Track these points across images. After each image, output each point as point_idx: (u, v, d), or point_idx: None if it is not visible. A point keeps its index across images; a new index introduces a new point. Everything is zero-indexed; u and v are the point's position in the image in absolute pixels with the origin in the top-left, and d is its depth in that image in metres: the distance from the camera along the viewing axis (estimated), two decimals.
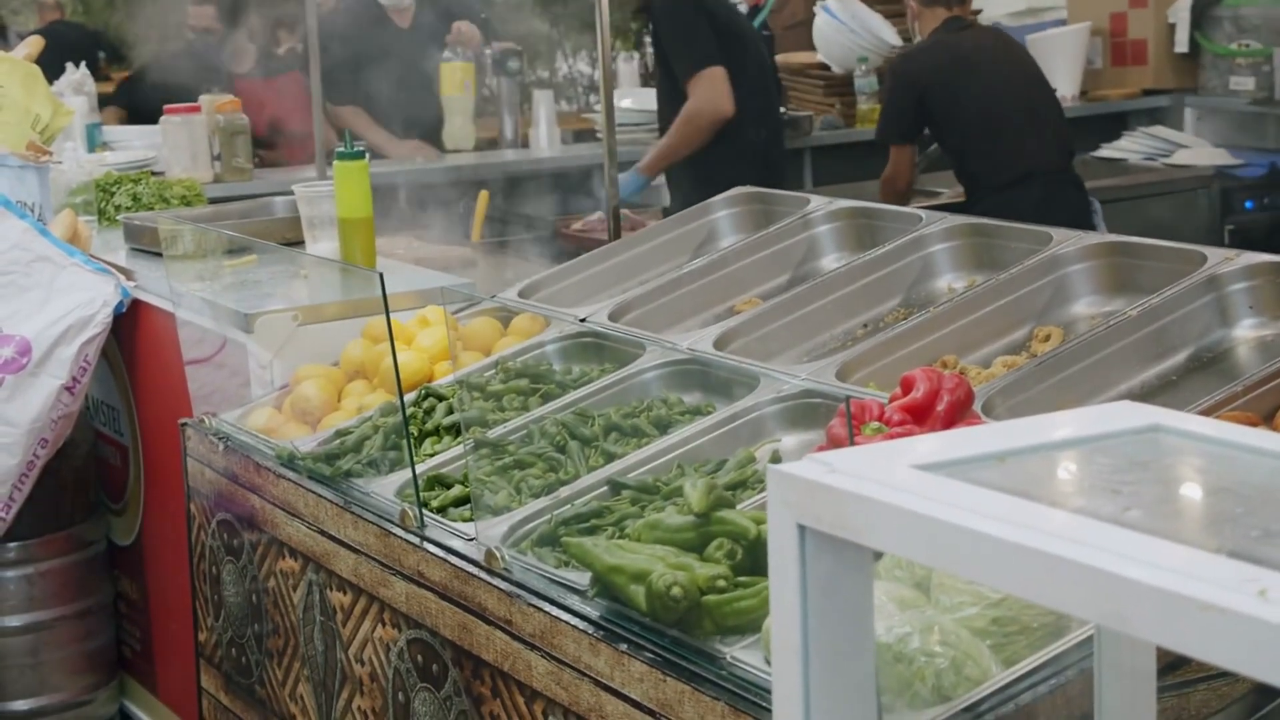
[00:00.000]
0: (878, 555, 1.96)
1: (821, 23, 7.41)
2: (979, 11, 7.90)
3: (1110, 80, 7.85)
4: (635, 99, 7.24)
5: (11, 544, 4.34)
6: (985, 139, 5.66)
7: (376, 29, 7.16)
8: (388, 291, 2.95)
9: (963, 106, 5.69)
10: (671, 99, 5.67)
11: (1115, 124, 7.56)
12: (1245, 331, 2.88)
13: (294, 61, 7.42)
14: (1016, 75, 5.81)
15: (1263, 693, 2.04)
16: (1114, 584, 1.23)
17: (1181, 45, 7.64)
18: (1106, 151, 7.29)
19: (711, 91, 5.43)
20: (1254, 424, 2.41)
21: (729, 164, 5.34)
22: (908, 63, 5.98)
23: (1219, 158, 7.03)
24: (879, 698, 1.84)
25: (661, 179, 5.93)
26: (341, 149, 3.99)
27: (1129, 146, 7.29)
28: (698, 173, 5.48)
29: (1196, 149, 7.20)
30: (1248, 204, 6.86)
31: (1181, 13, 7.58)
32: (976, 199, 5.63)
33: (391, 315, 3.02)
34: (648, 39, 8.34)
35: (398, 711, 2.84)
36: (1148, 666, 1.71)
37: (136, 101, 7.41)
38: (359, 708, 2.98)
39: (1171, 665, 1.96)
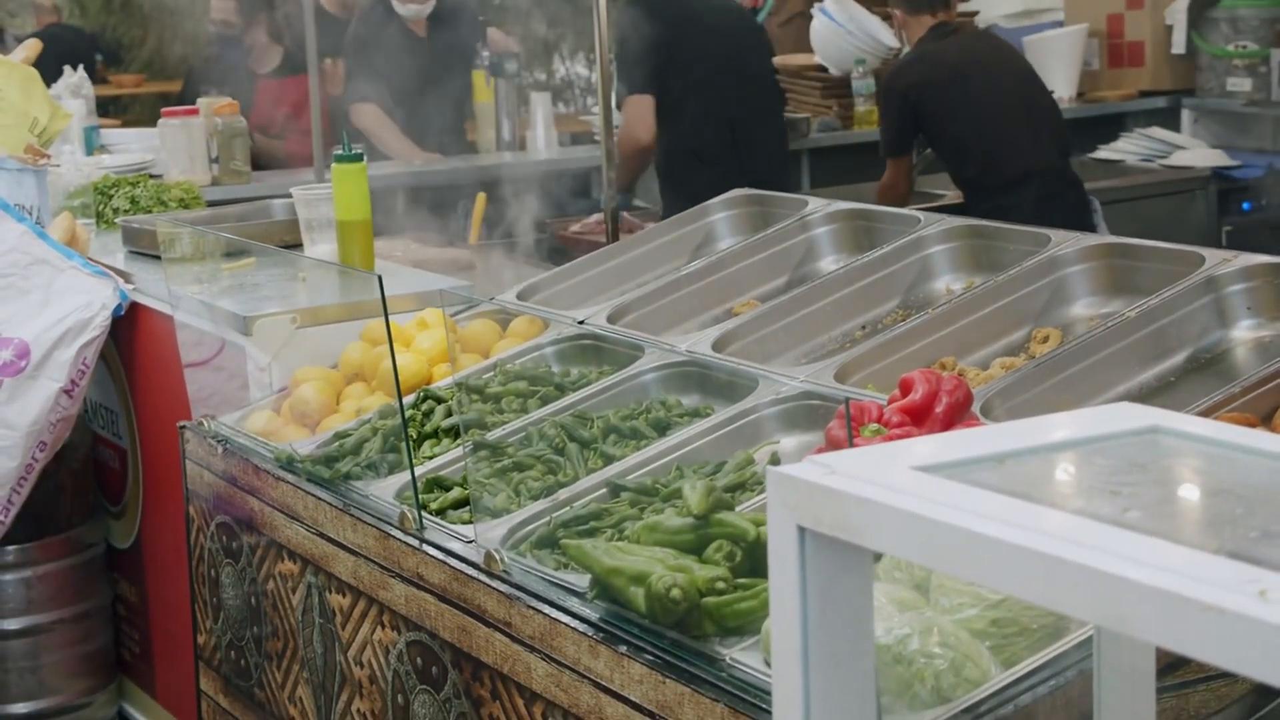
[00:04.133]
0: (877, 557, 1.96)
1: (819, 25, 7.41)
2: (975, 13, 7.91)
3: (1107, 82, 7.86)
4: None
5: (10, 547, 4.34)
6: (980, 144, 5.65)
7: (395, 37, 7.17)
8: (386, 294, 2.96)
9: (956, 115, 5.67)
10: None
11: (1112, 125, 7.57)
12: (1243, 333, 2.88)
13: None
14: (1008, 77, 5.79)
15: (1262, 694, 2.04)
16: (1115, 585, 1.24)
17: (1178, 47, 7.64)
18: (1104, 153, 7.29)
19: (628, 116, 5.54)
20: (1252, 425, 2.41)
21: (693, 169, 5.37)
22: (898, 78, 5.93)
23: (1216, 159, 7.04)
24: (879, 699, 1.84)
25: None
26: (340, 151, 3.99)
27: (1126, 148, 7.29)
28: (682, 179, 5.53)
29: (1194, 150, 7.21)
30: (1245, 205, 6.87)
31: (1178, 14, 7.59)
32: (975, 202, 5.62)
33: (390, 317, 3.02)
34: None
35: (397, 713, 2.84)
36: (1147, 667, 1.71)
37: None
38: (358, 710, 2.98)
39: (1171, 666, 1.96)
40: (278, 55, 7.69)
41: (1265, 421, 2.50)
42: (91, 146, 6.23)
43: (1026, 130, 5.65)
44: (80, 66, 6.53)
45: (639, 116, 5.78)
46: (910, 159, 5.89)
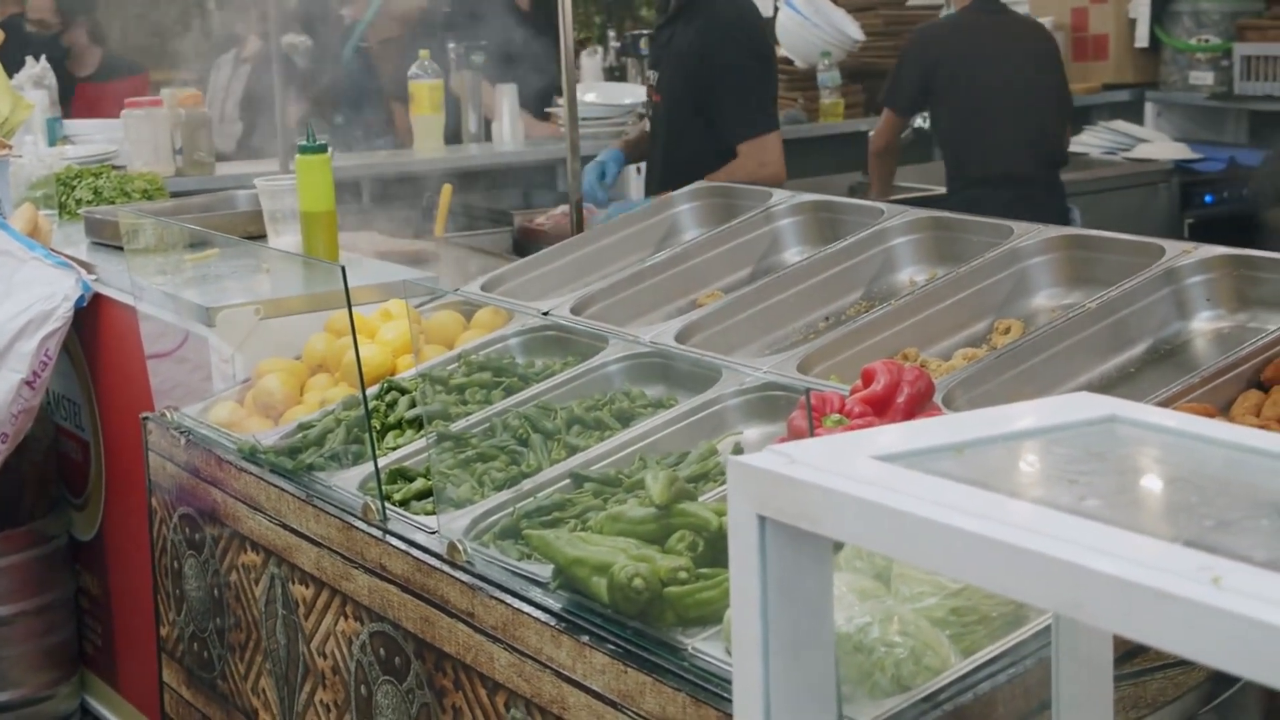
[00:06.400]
0: (838, 546, 1.97)
1: (784, 17, 7.43)
2: (941, 6, 7.93)
3: (1072, 75, 7.86)
4: (599, 93, 7.24)
5: None
6: (972, 131, 5.66)
7: (499, 8, 7.18)
8: (350, 285, 2.95)
9: (961, 93, 5.67)
10: (682, 118, 5.27)
11: (1076, 118, 7.58)
12: (1202, 324, 2.91)
13: (261, 64, 7.40)
14: (1028, 75, 5.75)
15: (1218, 682, 2.06)
16: (1071, 573, 1.25)
17: (1142, 40, 7.68)
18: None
19: (771, 157, 5.10)
20: (1210, 415, 2.43)
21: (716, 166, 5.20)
22: (926, 33, 5.96)
23: (1179, 152, 7.07)
24: (839, 688, 1.85)
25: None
26: (304, 142, 3.98)
27: (1090, 141, 7.33)
28: (681, 171, 5.39)
29: (1157, 143, 7.24)
30: (1207, 198, 6.91)
31: (1142, 8, 7.63)
32: (953, 189, 5.65)
33: (354, 309, 3.01)
34: (611, 33, 8.33)
35: (360, 704, 2.84)
36: (1105, 655, 1.72)
37: None
38: (321, 701, 2.98)
39: (1128, 654, 1.98)
40: (97, 58, 7.69)
41: (1224, 412, 2.52)
42: (54, 137, 6.21)
43: (1019, 133, 5.64)
44: (43, 57, 6.50)
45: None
46: (899, 121, 5.87)
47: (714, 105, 5.09)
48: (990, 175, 5.59)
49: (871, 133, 6.03)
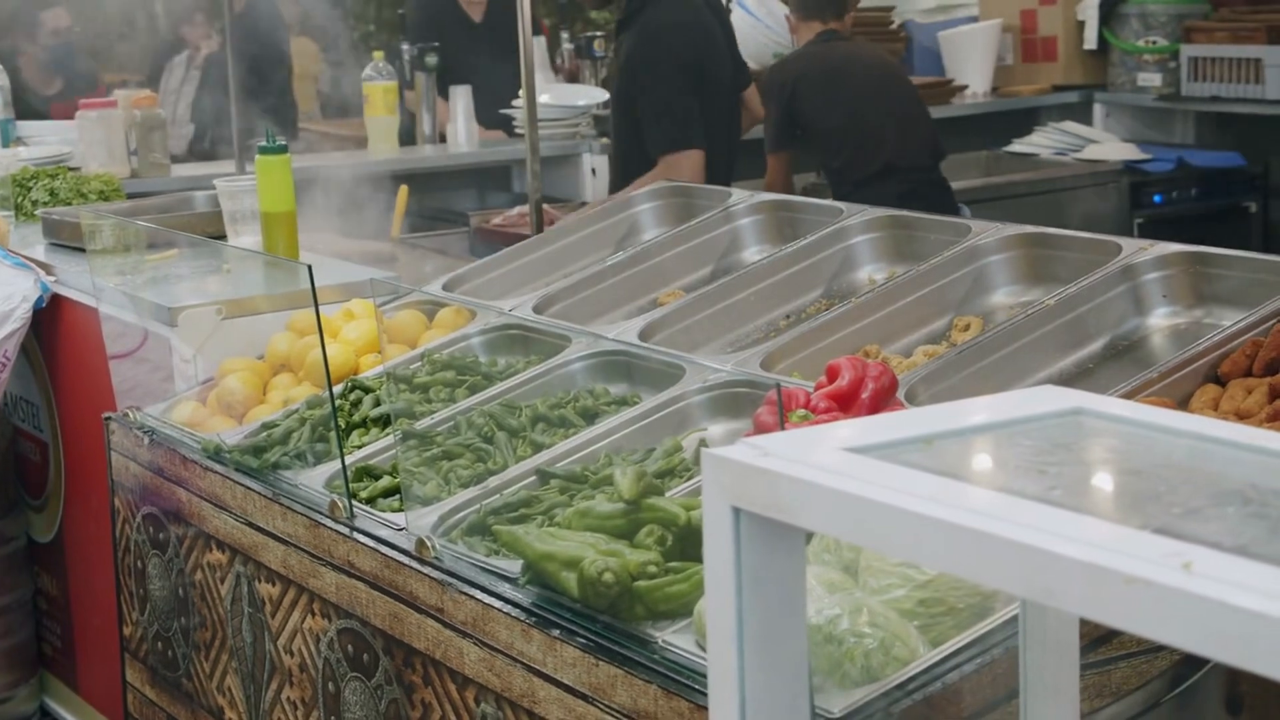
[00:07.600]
0: (807, 539, 2.00)
1: (736, 19, 7.44)
2: (892, 8, 7.99)
3: (1021, 76, 7.95)
4: (552, 94, 7.25)
5: None
6: (847, 138, 5.74)
7: (453, 22, 7.23)
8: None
9: (827, 110, 5.76)
10: (627, 132, 5.44)
11: (1026, 119, 7.66)
12: (1159, 320, 2.95)
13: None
14: (882, 83, 5.88)
15: (1181, 668, 2.10)
16: (1044, 559, 1.27)
17: (1090, 42, 7.75)
18: (1018, 146, 7.38)
19: (685, 175, 5.06)
20: (1169, 409, 2.46)
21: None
22: (777, 71, 6.04)
23: (1128, 153, 7.14)
24: (810, 678, 1.87)
25: None
26: (264, 143, 3.98)
27: (1040, 142, 7.38)
28: (625, 173, 5.44)
29: (1106, 144, 7.30)
30: (1156, 198, 6.98)
31: (1090, 10, 7.69)
32: (840, 194, 5.69)
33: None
34: (564, 35, 8.34)
35: (328, 701, 2.85)
36: (1071, 644, 1.75)
37: None
38: (288, 698, 2.99)
39: (1094, 643, 2.01)
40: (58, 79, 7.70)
41: (1181, 405, 2.56)
42: (8, 138, 6.18)
43: (894, 131, 5.75)
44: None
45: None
46: (787, 159, 5.94)
47: (640, 115, 5.20)
48: (872, 174, 5.65)
49: (764, 184, 6.04)
